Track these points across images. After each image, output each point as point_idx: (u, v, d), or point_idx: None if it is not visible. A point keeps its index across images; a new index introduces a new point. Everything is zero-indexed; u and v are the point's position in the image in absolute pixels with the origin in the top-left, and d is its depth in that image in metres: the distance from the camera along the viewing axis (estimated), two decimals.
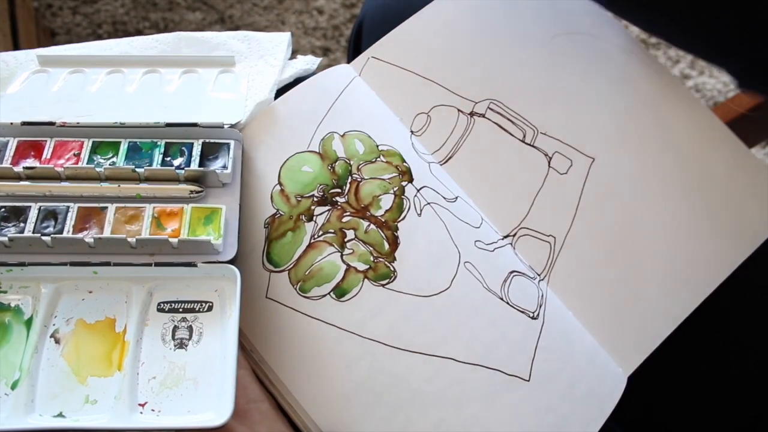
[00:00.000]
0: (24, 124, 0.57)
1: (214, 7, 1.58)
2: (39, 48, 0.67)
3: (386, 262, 0.57)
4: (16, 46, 1.27)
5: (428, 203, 0.60)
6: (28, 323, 0.51)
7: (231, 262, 0.53)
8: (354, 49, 0.81)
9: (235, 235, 0.54)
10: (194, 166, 0.56)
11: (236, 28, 1.51)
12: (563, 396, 0.56)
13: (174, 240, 0.52)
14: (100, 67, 0.63)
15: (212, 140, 0.58)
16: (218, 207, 0.54)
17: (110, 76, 0.63)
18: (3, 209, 0.53)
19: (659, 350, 0.60)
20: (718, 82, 1.55)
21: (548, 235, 0.62)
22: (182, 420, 0.48)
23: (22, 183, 0.55)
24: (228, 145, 0.57)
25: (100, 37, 1.50)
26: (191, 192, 0.55)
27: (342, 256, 0.57)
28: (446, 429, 0.54)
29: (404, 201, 0.59)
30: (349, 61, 0.67)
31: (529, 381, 0.56)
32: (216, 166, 0.56)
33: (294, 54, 0.67)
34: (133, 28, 1.52)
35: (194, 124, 0.58)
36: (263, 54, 0.66)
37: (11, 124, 0.57)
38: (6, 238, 0.52)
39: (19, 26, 1.30)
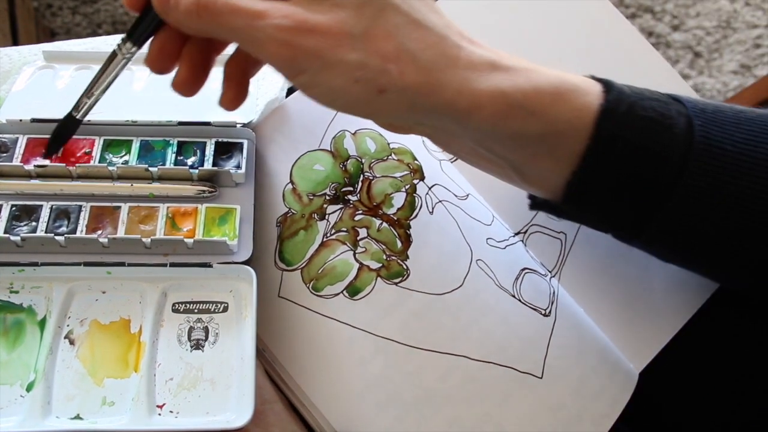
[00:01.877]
0: (34, 121, 0.57)
1: None
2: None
3: (399, 261, 0.57)
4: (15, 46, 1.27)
5: (440, 201, 0.60)
6: (42, 324, 0.51)
7: (246, 262, 0.53)
8: None
9: (250, 236, 0.54)
10: (208, 165, 0.56)
11: None
12: (575, 393, 0.56)
13: (189, 240, 0.52)
14: None
15: (225, 139, 0.57)
16: (233, 207, 0.54)
17: None
18: (14, 208, 0.53)
19: (666, 348, 0.60)
20: (718, 82, 1.56)
21: (559, 232, 0.62)
22: (201, 421, 0.48)
23: (32, 181, 0.54)
24: (241, 144, 0.57)
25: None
26: (205, 192, 0.55)
27: (355, 254, 0.57)
28: (459, 426, 0.54)
29: (416, 199, 0.59)
30: None
31: (542, 378, 0.56)
32: (229, 165, 0.56)
33: None
34: None
35: (207, 123, 0.57)
36: None
37: (21, 121, 0.57)
38: (18, 238, 0.51)
39: (19, 26, 1.29)
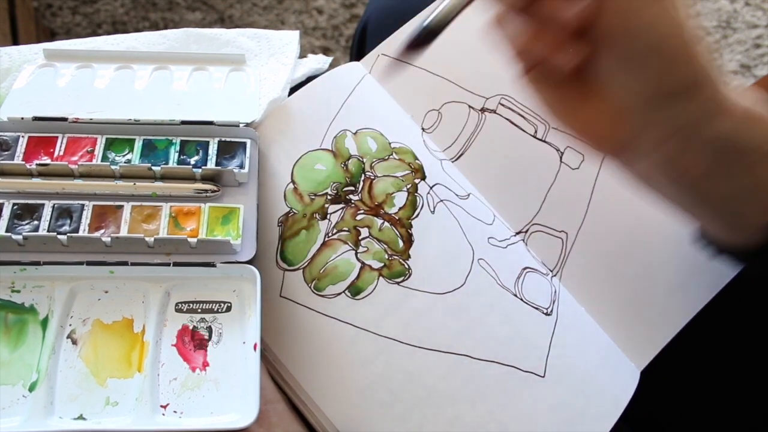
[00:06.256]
0: (36, 119, 0.57)
1: (213, 7, 1.57)
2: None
3: (401, 260, 0.57)
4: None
5: (441, 200, 0.60)
6: (44, 323, 0.51)
7: (249, 262, 0.53)
8: (357, 53, 0.81)
9: (254, 235, 0.54)
10: (211, 164, 0.56)
11: (236, 28, 1.52)
12: (577, 392, 0.56)
13: (193, 240, 0.52)
14: (108, 63, 0.63)
15: (228, 139, 0.57)
16: (236, 207, 0.54)
17: (119, 72, 0.62)
18: (16, 206, 0.53)
19: (668, 346, 0.60)
20: None
21: (560, 231, 0.62)
22: (205, 421, 0.48)
23: (34, 180, 0.54)
24: (244, 144, 0.57)
25: None
26: (208, 191, 0.55)
27: (356, 254, 0.57)
28: (462, 426, 0.54)
29: (417, 198, 0.59)
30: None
31: (543, 377, 0.56)
32: (232, 165, 0.56)
33: None
34: (133, 28, 1.52)
35: (210, 123, 0.57)
36: (274, 52, 0.65)
37: (22, 119, 0.57)
38: (20, 237, 0.51)
39: (19, 26, 1.29)
